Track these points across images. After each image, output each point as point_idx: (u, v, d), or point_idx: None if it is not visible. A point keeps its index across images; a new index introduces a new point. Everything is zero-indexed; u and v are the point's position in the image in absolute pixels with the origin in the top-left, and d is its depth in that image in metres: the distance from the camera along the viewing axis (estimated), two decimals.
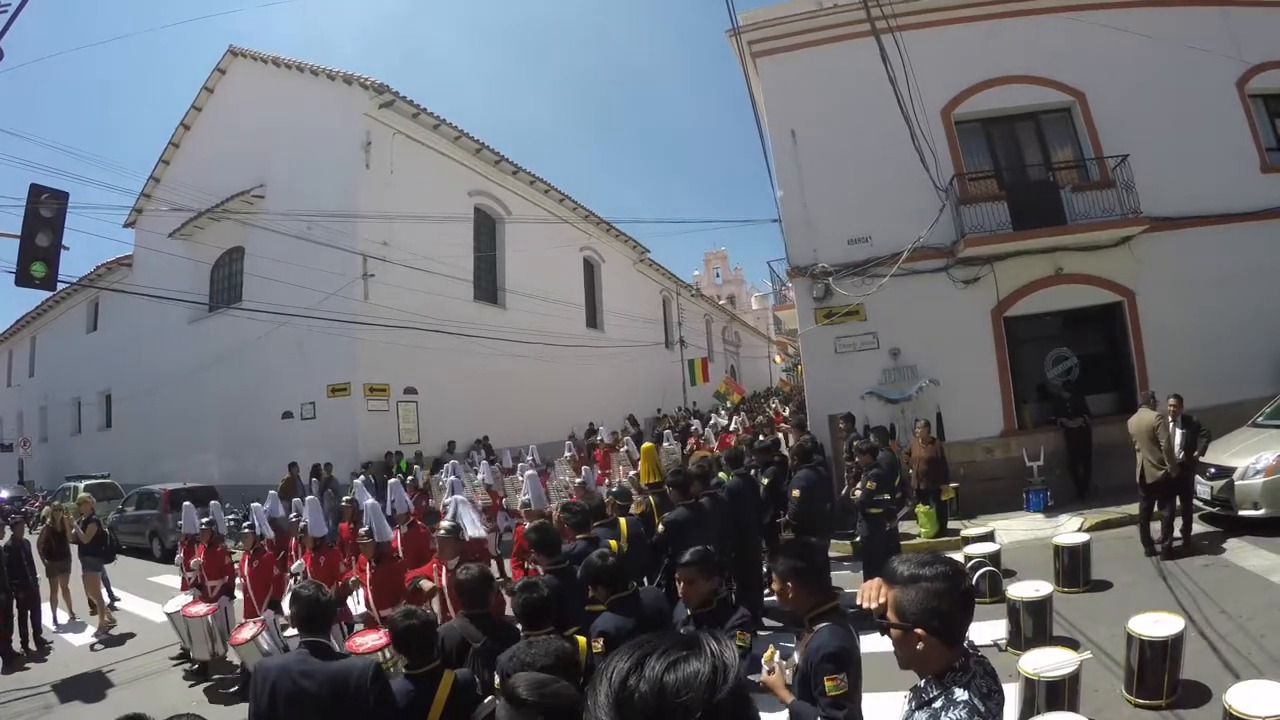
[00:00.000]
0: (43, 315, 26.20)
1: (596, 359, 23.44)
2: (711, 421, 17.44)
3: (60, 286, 11.28)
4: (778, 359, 46.46)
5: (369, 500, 7.22)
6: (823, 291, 11.58)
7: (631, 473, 10.39)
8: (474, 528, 6.67)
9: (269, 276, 16.01)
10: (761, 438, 11.55)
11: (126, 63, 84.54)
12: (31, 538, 10.33)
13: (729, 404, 21.80)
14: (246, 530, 7.56)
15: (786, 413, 19.70)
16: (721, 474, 7.75)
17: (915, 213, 10.51)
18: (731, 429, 16.51)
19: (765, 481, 7.80)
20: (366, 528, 6.26)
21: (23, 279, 7.32)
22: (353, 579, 6.27)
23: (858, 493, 7.53)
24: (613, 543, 5.13)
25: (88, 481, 18.01)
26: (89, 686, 7.18)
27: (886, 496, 7.39)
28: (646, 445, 9.36)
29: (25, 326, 27.74)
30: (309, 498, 7.52)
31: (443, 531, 5.40)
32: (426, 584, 5.21)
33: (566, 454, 13.18)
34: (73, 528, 10.13)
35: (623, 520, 5.94)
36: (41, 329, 26.96)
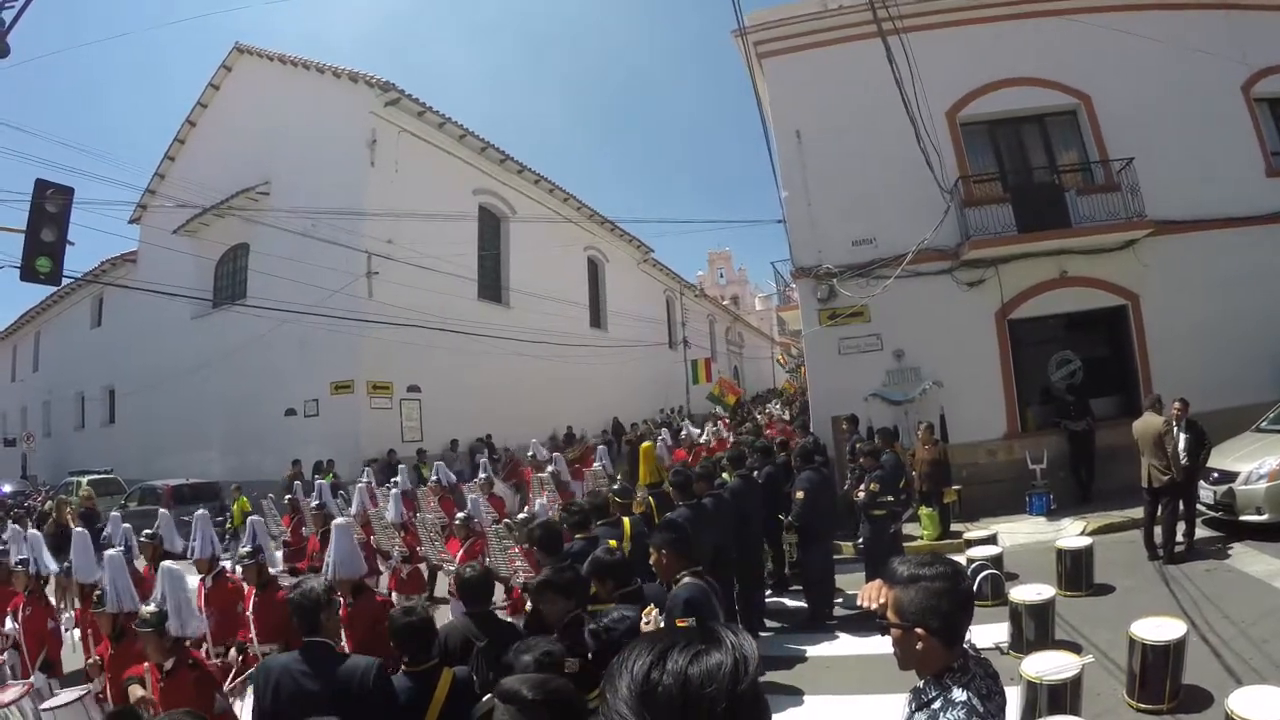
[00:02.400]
0: (47, 310, 26.28)
1: (600, 359, 23.44)
2: (683, 433, 14.53)
3: (65, 282, 11.30)
4: (781, 360, 46.33)
5: (110, 550, 5.25)
6: (827, 293, 11.57)
7: (542, 498, 8.85)
8: (196, 620, 4.30)
9: (273, 273, 16.06)
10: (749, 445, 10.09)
11: (132, 59, 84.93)
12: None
13: (719, 407, 21.34)
14: (17, 567, 5.94)
15: (786, 416, 19.37)
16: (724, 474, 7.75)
17: (920, 214, 10.49)
18: (703, 440, 13.51)
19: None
20: (100, 592, 4.58)
21: (27, 274, 7.33)
22: (91, 660, 4.78)
23: (861, 494, 7.52)
24: (612, 542, 5.13)
25: (90, 477, 18.07)
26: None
27: (890, 498, 7.38)
28: (645, 445, 9.33)
29: (30, 322, 27.84)
30: (76, 530, 5.98)
31: (143, 622, 3.78)
32: (138, 691, 3.78)
33: (481, 474, 10.16)
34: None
35: (626, 520, 5.95)
36: (46, 324, 27.06)
